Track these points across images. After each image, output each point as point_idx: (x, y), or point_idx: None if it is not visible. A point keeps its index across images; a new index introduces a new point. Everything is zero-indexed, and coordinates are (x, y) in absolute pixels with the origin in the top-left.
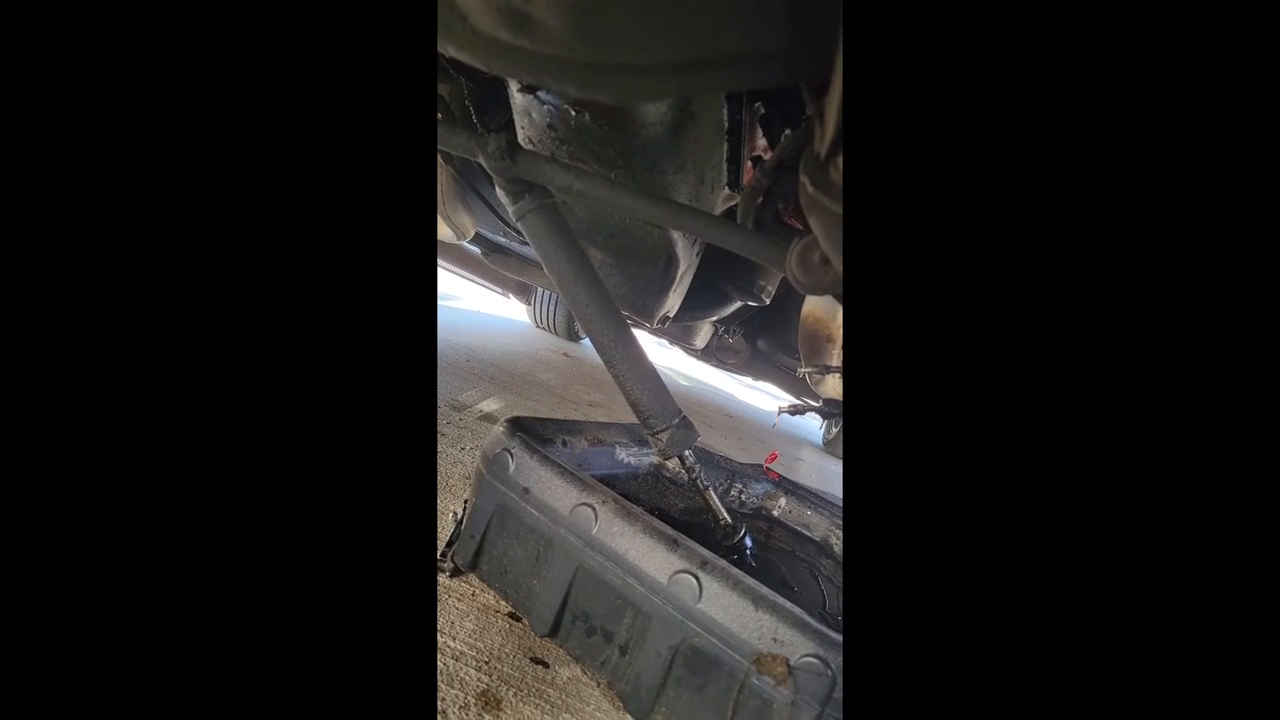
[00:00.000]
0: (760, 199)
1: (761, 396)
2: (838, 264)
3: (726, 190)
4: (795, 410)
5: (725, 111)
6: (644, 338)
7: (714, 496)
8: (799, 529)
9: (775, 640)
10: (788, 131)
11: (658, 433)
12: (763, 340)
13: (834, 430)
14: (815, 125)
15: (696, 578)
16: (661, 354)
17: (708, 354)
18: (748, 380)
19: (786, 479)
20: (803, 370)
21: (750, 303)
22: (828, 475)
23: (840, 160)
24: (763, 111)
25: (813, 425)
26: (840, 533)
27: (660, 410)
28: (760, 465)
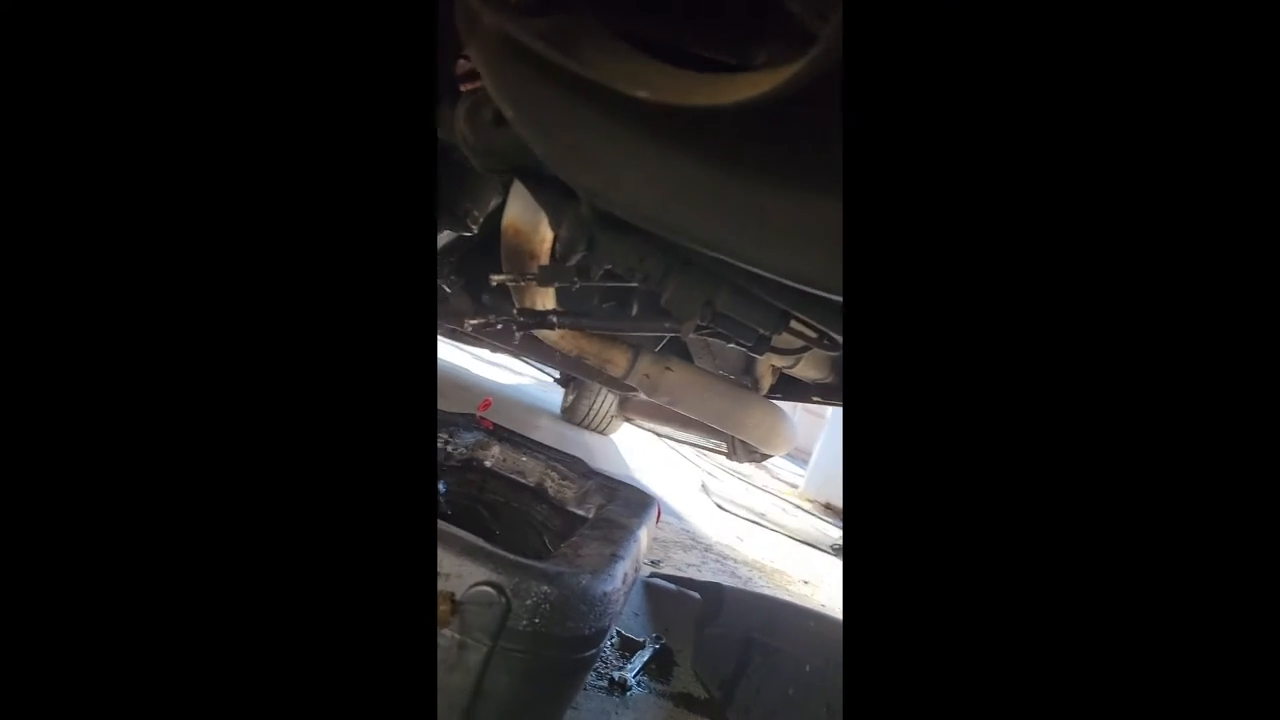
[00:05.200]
0: None
1: (500, 371)
2: (511, 116)
3: None
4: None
5: None
6: None
7: None
8: (513, 476)
9: (442, 574)
10: None
11: None
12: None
13: (569, 398)
14: None
15: None
16: None
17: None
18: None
19: (501, 426)
20: (497, 278)
21: (461, 233)
22: (565, 441)
23: None
24: None
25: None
26: (554, 475)
27: None
28: (472, 414)
